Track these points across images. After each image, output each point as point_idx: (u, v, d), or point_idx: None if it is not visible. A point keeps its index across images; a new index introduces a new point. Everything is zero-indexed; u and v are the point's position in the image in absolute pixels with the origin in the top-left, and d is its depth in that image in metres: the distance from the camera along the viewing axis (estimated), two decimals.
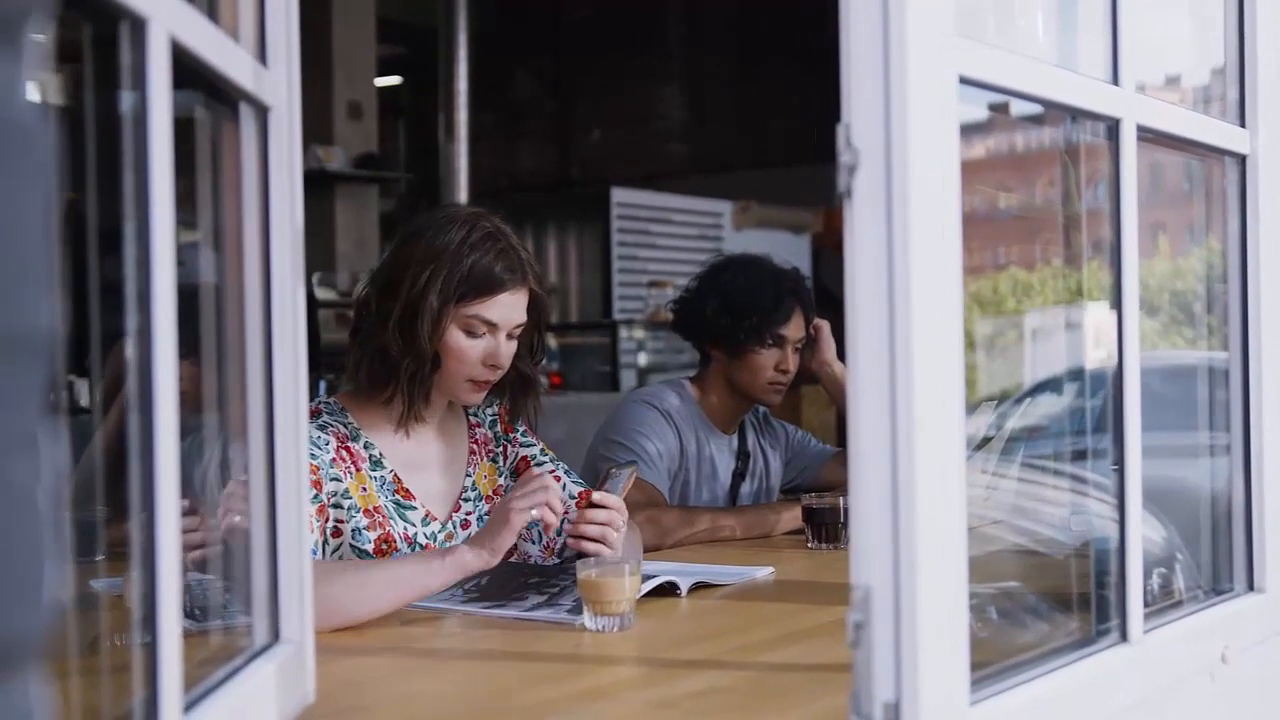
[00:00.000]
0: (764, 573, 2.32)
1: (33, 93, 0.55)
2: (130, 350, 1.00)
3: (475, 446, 2.37)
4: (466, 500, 2.32)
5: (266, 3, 1.34)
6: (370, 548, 2.14)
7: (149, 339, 0.99)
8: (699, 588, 2.15)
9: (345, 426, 2.20)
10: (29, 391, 0.53)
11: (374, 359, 2.19)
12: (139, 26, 0.98)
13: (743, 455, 3.10)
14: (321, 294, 6.85)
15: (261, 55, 1.33)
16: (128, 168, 1.00)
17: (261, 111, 1.33)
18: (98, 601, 1.38)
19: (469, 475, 2.34)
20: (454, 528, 2.28)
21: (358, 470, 2.16)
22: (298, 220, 1.38)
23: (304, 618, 1.38)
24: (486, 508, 2.33)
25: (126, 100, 1.00)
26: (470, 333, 2.18)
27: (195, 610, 1.36)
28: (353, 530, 2.12)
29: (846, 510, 2.60)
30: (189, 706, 1.08)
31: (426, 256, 2.15)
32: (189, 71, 1.10)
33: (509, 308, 2.19)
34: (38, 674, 0.55)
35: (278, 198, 1.35)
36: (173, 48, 1.02)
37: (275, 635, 1.35)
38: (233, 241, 1.34)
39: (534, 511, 1.96)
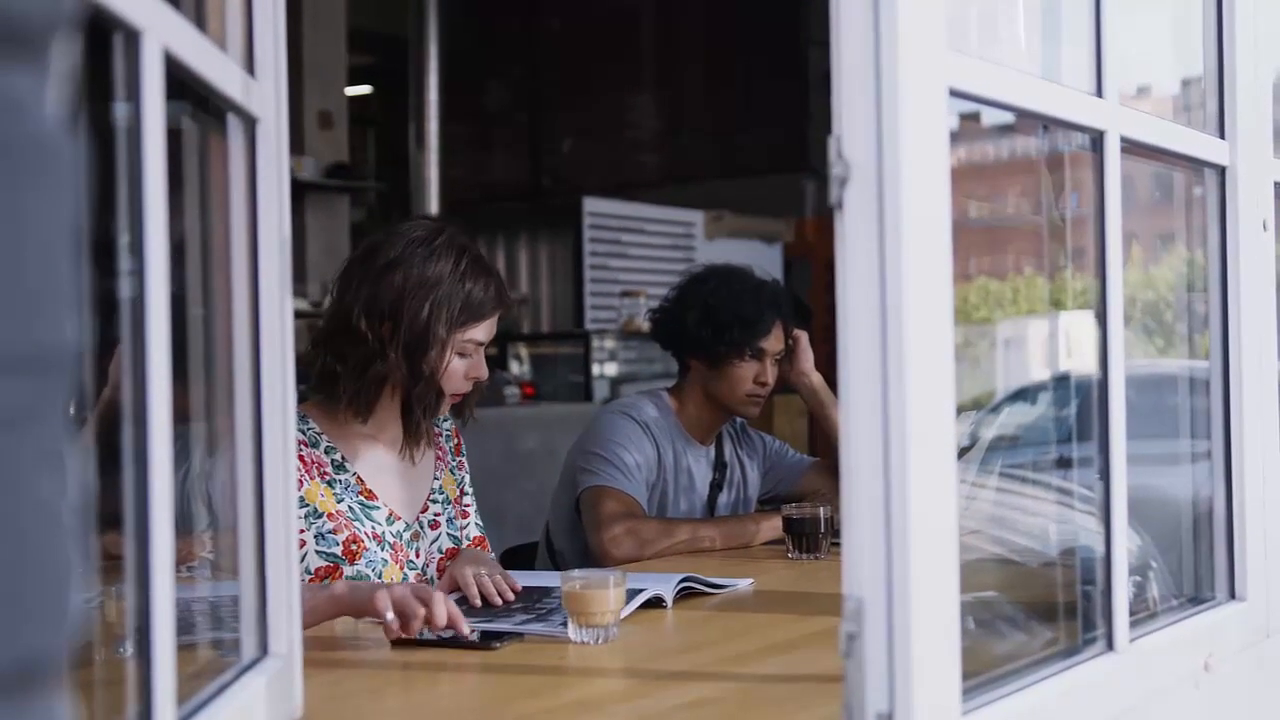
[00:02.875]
0: (745, 584, 2.32)
1: (57, 107, 0.54)
2: (125, 361, 0.99)
3: (440, 453, 2.43)
4: (435, 501, 2.38)
5: (255, 14, 1.34)
6: (339, 550, 2.18)
7: (143, 352, 0.98)
8: (685, 595, 2.15)
9: (304, 433, 2.22)
10: (54, 408, 0.53)
11: (375, 387, 2.22)
12: (133, 38, 0.97)
13: (720, 466, 3.10)
14: (293, 304, 6.82)
15: (250, 67, 1.32)
16: (121, 178, 0.99)
17: (250, 123, 1.32)
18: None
19: (436, 478, 2.39)
20: (421, 527, 2.33)
21: (312, 478, 2.19)
22: (285, 232, 1.37)
23: (292, 632, 1.37)
24: (453, 511, 2.40)
25: (119, 111, 0.99)
26: (462, 354, 2.26)
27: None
28: (317, 535, 2.15)
29: (827, 520, 2.61)
30: None
31: (421, 286, 2.20)
32: (178, 82, 1.09)
33: (493, 325, 2.30)
34: (63, 691, 0.55)
35: (265, 209, 1.34)
36: (165, 59, 1.02)
37: (264, 649, 1.35)
38: (220, 253, 1.33)
39: (389, 616, 1.80)
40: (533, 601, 2.10)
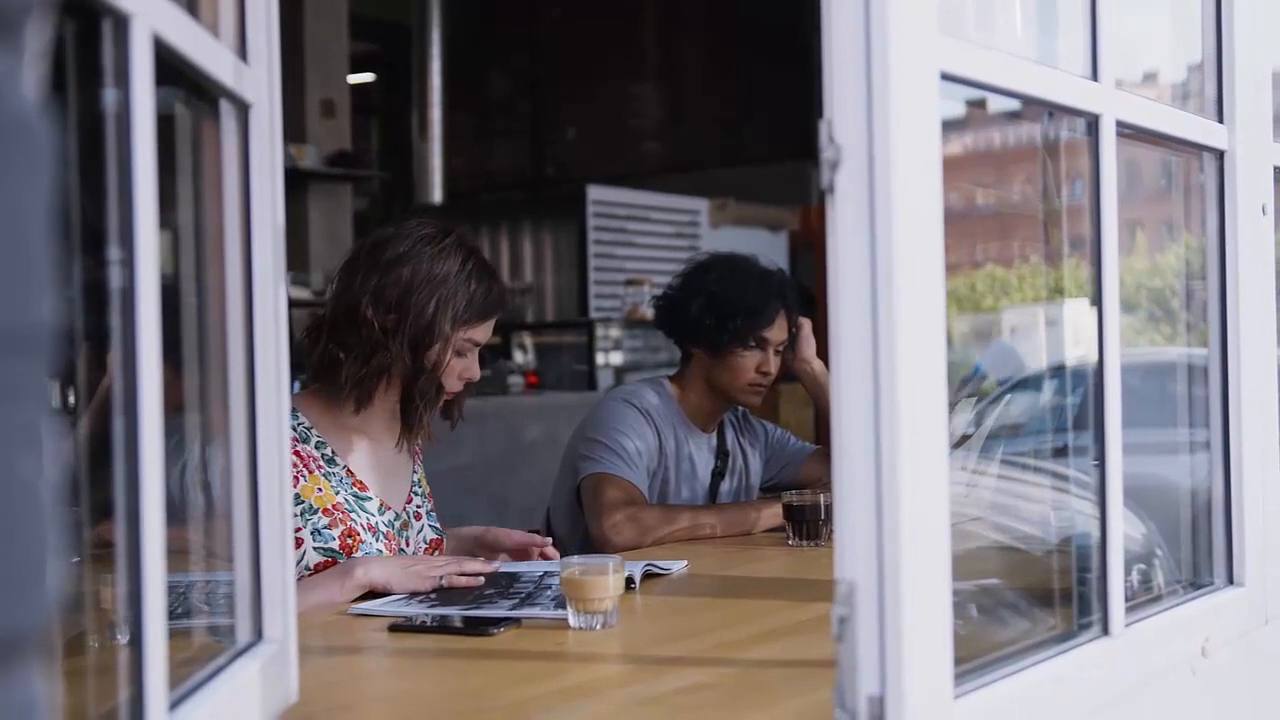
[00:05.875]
0: (679, 565, 2.35)
1: (32, 89, 0.54)
2: (115, 352, 0.99)
3: (417, 448, 2.46)
4: (416, 494, 2.42)
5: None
6: (336, 544, 2.19)
7: (133, 340, 0.98)
8: (647, 578, 2.19)
9: (294, 429, 2.23)
10: (32, 386, 0.53)
11: (376, 377, 2.25)
12: (122, 23, 0.97)
13: (722, 454, 3.10)
14: (295, 293, 6.82)
15: (242, 52, 1.32)
16: (110, 165, 0.99)
17: (242, 109, 1.32)
18: (72, 602, 1.37)
19: (416, 472, 2.44)
20: (408, 517, 2.37)
21: (310, 472, 2.20)
22: (279, 219, 1.37)
23: (287, 617, 1.38)
24: (430, 504, 2.45)
25: (109, 97, 0.99)
26: (460, 353, 2.28)
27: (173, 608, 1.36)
28: (313, 532, 2.16)
29: (827, 507, 2.61)
30: (173, 705, 1.07)
31: (428, 282, 2.23)
32: (169, 68, 1.09)
33: (490, 328, 2.33)
34: (40, 668, 0.55)
35: (259, 196, 1.34)
36: (155, 44, 1.02)
37: (258, 634, 1.35)
38: (213, 240, 1.33)
39: (443, 581, 2.10)
40: (505, 587, 2.10)
